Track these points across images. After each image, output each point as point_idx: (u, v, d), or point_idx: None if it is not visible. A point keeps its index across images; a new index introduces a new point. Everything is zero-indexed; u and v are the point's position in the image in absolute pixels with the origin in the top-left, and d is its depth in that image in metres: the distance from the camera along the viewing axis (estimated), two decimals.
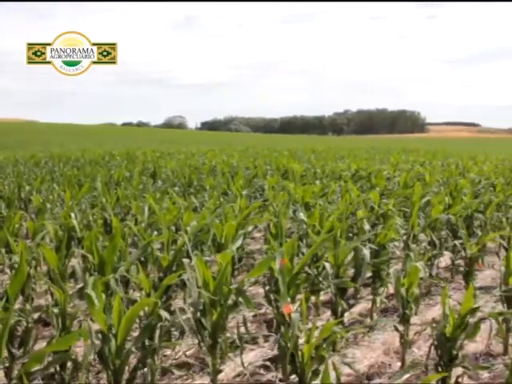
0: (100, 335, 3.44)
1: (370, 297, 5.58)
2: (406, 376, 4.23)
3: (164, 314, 3.72)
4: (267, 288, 4.86)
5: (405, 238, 6.68)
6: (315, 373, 3.38)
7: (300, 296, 4.53)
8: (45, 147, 34.75)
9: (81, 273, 4.36)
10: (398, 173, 13.59)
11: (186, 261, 4.41)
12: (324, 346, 3.41)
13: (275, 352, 4.49)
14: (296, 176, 12.41)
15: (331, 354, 3.62)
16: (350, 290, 5.59)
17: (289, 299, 3.85)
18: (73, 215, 6.41)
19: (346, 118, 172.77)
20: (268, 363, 4.30)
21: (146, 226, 6.36)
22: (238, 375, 4.25)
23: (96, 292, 3.47)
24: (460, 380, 3.48)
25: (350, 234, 6.16)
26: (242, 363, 4.16)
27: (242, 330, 4.42)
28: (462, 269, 6.44)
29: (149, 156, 21.63)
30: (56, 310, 3.64)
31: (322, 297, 5.66)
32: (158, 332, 3.86)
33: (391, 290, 5.74)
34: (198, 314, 3.77)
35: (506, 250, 6.22)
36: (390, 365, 4.53)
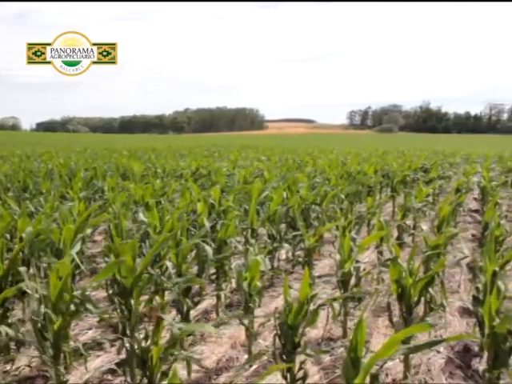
0: None
1: (215, 293, 5.63)
2: (254, 367, 4.34)
3: (2, 328, 3.53)
4: (111, 291, 4.76)
5: (245, 232, 6.82)
6: (164, 374, 3.36)
7: (144, 297, 4.48)
8: None
9: None
10: (238, 169, 13.82)
11: (22, 269, 4.20)
12: (171, 345, 3.39)
13: (123, 356, 4.41)
14: (136, 176, 12.25)
15: (179, 353, 3.61)
16: (195, 288, 5.62)
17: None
18: None
19: (187, 117, 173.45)
20: (115, 368, 4.22)
21: None
22: (85, 383, 4.13)
23: None
24: (303, 366, 3.60)
25: (192, 232, 6.18)
26: (86, 369, 4.05)
27: (87, 336, 4.31)
28: (301, 259, 6.67)
29: None
30: None
31: (168, 296, 5.63)
32: None
33: (235, 284, 5.84)
34: (39, 324, 3.60)
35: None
36: (237, 358, 4.61)
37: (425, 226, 6.56)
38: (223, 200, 7.56)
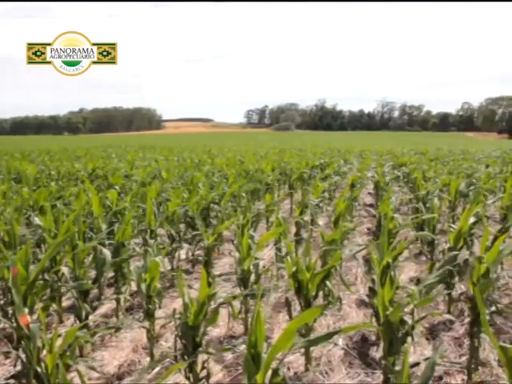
0: None
1: (115, 296, 5.53)
2: (156, 370, 4.29)
3: None
4: (3, 301, 4.58)
5: (144, 234, 6.74)
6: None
7: (40, 305, 4.33)
8: None
9: None
10: (136, 170, 13.65)
11: None
12: (68, 353, 3.29)
13: (19, 368, 4.25)
14: (30, 179, 11.86)
15: (78, 360, 3.52)
16: (94, 292, 5.49)
17: (26, 310, 3.65)
18: None
19: (82, 117, 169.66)
20: (11, 381, 4.06)
21: None
22: None
23: None
24: (206, 365, 3.60)
25: (90, 235, 6.04)
26: None
27: None
28: (201, 259, 6.67)
29: None
30: None
31: (65, 302, 5.48)
32: None
33: (134, 287, 5.76)
34: None
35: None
36: (139, 361, 4.55)
37: (322, 222, 6.70)
38: (120, 202, 7.44)
